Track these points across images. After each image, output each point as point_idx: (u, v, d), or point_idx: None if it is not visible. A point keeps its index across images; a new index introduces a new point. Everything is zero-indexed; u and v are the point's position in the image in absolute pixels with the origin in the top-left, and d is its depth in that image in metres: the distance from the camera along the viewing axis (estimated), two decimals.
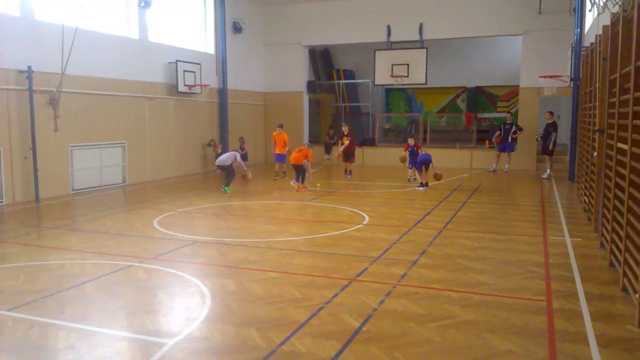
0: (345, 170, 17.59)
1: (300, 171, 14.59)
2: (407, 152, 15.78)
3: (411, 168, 15.90)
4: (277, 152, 16.87)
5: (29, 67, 12.61)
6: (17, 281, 6.68)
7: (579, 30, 15.75)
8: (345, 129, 17.26)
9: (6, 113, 12.42)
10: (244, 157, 18.59)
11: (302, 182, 14.59)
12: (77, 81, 14.02)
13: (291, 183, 15.21)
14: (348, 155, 17.21)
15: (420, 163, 14.84)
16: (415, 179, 15.74)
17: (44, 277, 6.86)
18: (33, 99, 12.77)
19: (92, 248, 8.38)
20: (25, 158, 12.84)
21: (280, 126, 17.08)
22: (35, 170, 12.94)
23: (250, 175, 14.76)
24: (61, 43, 12.94)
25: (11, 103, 12.53)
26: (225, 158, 14.24)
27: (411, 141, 15.66)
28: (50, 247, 8.44)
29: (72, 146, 14.16)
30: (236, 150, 15.97)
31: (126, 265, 7.36)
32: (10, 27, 12.48)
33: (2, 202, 12.38)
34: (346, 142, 17.06)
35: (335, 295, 6.03)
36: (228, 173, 14.16)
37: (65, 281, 6.65)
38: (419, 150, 15.64)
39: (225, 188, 13.92)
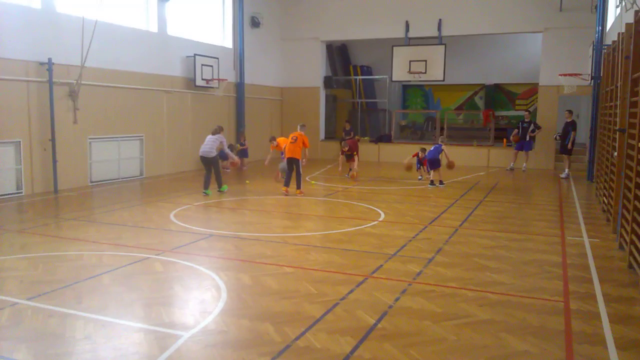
0: (350, 171, 16.23)
1: (294, 168, 12.85)
2: (414, 159, 15.55)
3: (419, 169, 15.80)
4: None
5: (49, 60, 12.75)
6: (36, 271, 6.77)
7: (600, 28, 15.54)
8: (346, 126, 16.00)
9: (26, 105, 12.57)
10: (244, 153, 18.39)
11: (298, 186, 12.94)
12: (96, 74, 14.14)
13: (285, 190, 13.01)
14: (350, 155, 16.01)
15: (431, 163, 14.61)
16: (421, 178, 15.62)
17: (62, 267, 6.95)
18: (53, 91, 12.91)
19: (110, 240, 8.47)
20: (45, 150, 12.99)
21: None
22: (54, 161, 13.09)
23: (238, 160, 13.42)
24: (81, 36, 13.05)
25: (31, 95, 12.67)
26: (208, 148, 12.53)
27: (422, 153, 15.38)
28: (69, 238, 8.54)
29: (90, 138, 14.29)
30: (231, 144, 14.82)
31: (143, 257, 7.42)
32: (31, 19, 12.62)
33: (21, 192, 12.54)
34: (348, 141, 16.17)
35: (351, 292, 6.02)
36: (215, 169, 12.68)
37: (83, 272, 6.73)
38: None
39: (222, 188, 12.71)
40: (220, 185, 12.96)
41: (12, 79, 12.18)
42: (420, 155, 15.55)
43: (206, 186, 12.74)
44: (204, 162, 12.80)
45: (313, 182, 14.41)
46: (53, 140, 13.00)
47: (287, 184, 12.91)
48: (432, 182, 14.56)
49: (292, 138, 12.93)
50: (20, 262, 7.18)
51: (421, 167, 15.71)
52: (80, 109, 13.74)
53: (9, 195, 12.27)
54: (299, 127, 13.47)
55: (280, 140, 14.92)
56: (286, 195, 12.67)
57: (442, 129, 22.88)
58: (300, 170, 13.01)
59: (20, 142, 12.47)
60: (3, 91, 12.00)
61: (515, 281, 6.52)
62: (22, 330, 4.98)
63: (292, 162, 12.84)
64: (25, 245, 8.07)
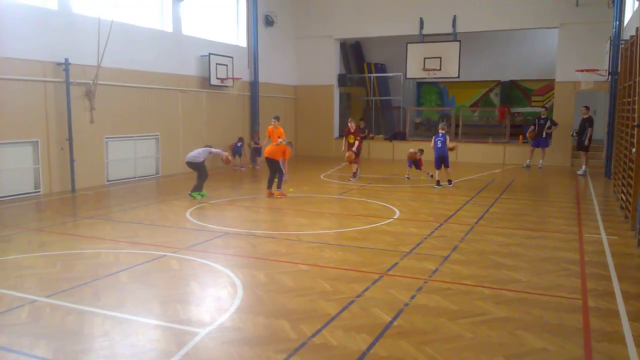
0: (354, 173, 15.33)
1: (274, 169, 12.42)
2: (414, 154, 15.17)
3: (410, 167, 15.52)
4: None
5: (66, 60, 12.88)
6: (54, 269, 6.85)
7: (617, 22, 15.33)
8: (351, 125, 15.08)
9: (44, 105, 12.71)
10: (258, 152, 18.18)
11: (279, 186, 12.46)
12: (112, 74, 14.26)
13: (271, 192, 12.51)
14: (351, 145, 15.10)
15: (439, 160, 13.72)
16: (432, 175, 14.88)
17: (80, 265, 7.02)
18: (70, 91, 13.04)
19: (127, 238, 8.54)
20: (62, 149, 13.13)
21: (276, 118, 15.15)
22: (72, 161, 13.23)
23: (229, 156, 12.86)
24: (97, 36, 13.17)
25: (49, 95, 12.81)
26: (196, 154, 12.30)
27: (420, 154, 15.27)
28: (86, 237, 8.62)
29: (107, 138, 14.42)
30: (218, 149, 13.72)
31: (160, 255, 7.48)
32: (48, 20, 12.76)
33: (39, 192, 12.70)
34: (353, 141, 15.08)
35: (366, 289, 6.02)
36: (200, 173, 12.27)
37: (101, 270, 6.80)
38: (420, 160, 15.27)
39: (194, 194, 12.04)
40: (198, 190, 12.21)
41: (29, 79, 12.33)
42: (418, 156, 15.18)
43: (198, 187, 12.30)
44: (190, 167, 12.39)
45: (291, 188, 13.29)
46: (70, 139, 13.14)
47: (269, 187, 12.40)
48: (438, 183, 13.73)
49: (276, 142, 12.88)
50: (39, 260, 7.28)
51: (412, 166, 15.38)
52: (97, 108, 13.87)
53: (28, 195, 12.42)
54: (274, 120, 13.43)
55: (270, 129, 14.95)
56: (269, 196, 12.22)
57: (456, 125, 22.72)
58: (283, 169, 12.62)
59: (38, 141, 12.62)
60: (21, 92, 12.15)
61: (532, 279, 6.47)
62: (42, 327, 5.04)
63: (272, 163, 12.38)
64: (44, 244, 8.16)
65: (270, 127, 15.02)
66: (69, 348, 4.58)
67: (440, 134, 13.94)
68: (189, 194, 12.10)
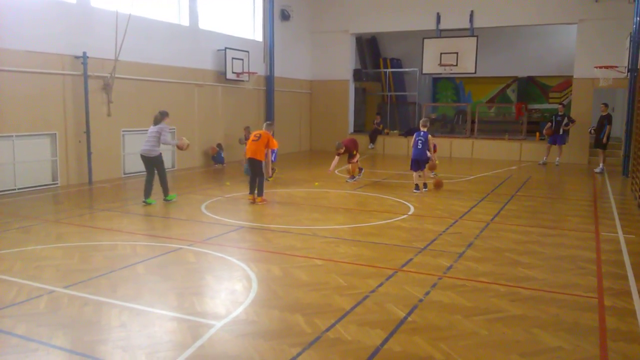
0: (353, 175, 14.05)
1: (257, 173, 10.82)
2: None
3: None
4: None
5: (84, 53, 13.00)
6: (72, 260, 6.94)
7: (638, 18, 15.11)
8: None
9: (62, 98, 12.84)
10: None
11: (260, 191, 10.81)
12: (129, 67, 14.37)
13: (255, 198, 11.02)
14: (350, 157, 13.85)
15: (416, 162, 12.20)
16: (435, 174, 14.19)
17: (97, 257, 7.10)
18: (88, 84, 13.16)
19: (143, 230, 8.63)
20: (80, 142, 13.27)
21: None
22: (89, 153, 13.36)
23: (187, 141, 10.99)
24: (115, 30, 13.27)
25: (67, 88, 12.94)
26: (149, 146, 10.37)
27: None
28: (103, 229, 8.72)
29: (124, 131, 14.53)
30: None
31: (176, 247, 7.54)
32: (67, 14, 12.88)
33: (57, 183, 12.85)
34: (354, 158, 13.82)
35: (380, 285, 6.02)
36: (159, 170, 10.53)
37: (118, 261, 6.87)
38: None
39: (148, 200, 10.49)
40: (166, 193, 10.82)
41: (48, 72, 12.46)
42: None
43: (147, 194, 10.55)
44: (144, 162, 10.54)
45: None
46: (88, 132, 13.27)
47: (252, 191, 10.95)
48: (417, 187, 12.29)
49: (254, 136, 11.02)
50: (57, 251, 7.37)
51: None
52: (114, 102, 13.98)
53: (45, 186, 12.58)
54: (264, 125, 11.44)
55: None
56: (252, 203, 10.87)
57: (472, 122, 22.54)
58: (263, 173, 11.05)
59: (56, 134, 12.77)
60: (40, 84, 12.29)
61: (548, 277, 6.43)
62: (60, 317, 5.11)
63: (254, 164, 10.88)
64: (61, 235, 8.27)
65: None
66: (87, 338, 4.64)
67: (422, 133, 12.29)
68: (164, 199, 10.82)
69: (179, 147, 10.99)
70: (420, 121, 12.61)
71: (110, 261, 6.90)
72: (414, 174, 12.38)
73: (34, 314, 5.15)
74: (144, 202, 10.56)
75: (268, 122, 11.80)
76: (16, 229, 8.64)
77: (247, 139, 16.03)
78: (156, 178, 10.77)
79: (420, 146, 12.10)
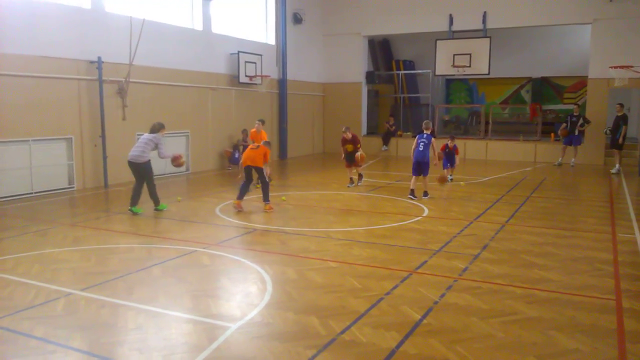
0: (351, 178, 13.73)
1: (250, 178, 10.66)
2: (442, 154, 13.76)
3: (446, 168, 14.16)
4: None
5: (99, 58, 13.12)
6: (88, 263, 7.01)
7: None
8: (347, 134, 13.28)
9: (77, 102, 12.98)
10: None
11: (265, 197, 10.54)
12: (144, 71, 14.48)
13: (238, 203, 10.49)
14: (351, 160, 13.47)
15: (417, 166, 11.74)
16: (452, 179, 14.30)
17: (113, 259, 7.17)
18: (103, 89, 13.29)
19: (158, 233, 8.68)
20: (95, 146, 13.40)
21: (261, 121, 13.69)
22: (104, 157, 13.48)
23: (182, 155, 10.68)
24: (129, 35, 13.38)
25: (82, 93, 13.08)
26: (138, 152, 10.03)
27: (451, 143, 14.01)
28: (119, 232, 8.79)
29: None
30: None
31: (191, 250, 7.58)
32: (82, 19, 13.02)
33: (73, 187, 12.98)
34: (352, 150, 13.36)
35: (395, 287, 6.01)
36: (148, 178, 10.22)
37: (134, 264, 6.93)
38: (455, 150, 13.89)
39: (134, 208, 10.07)
40: (157, 203, 10.44)
41: (64, 77, 12.60)
42: (449, 144, 14.00)
43: (134, 202, 10.14)
44: (132, 169, 10.15)
45: (284, 197, 11.91)
46: (103, 136, 13.39)
47: (240, 197, 10.46)
48: (412, 193, 11.75)
49: (252, 145, 10.92)
50: (74, 254, 7.44)
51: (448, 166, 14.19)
52: (129, 106, 14.11)
53: (62, 190, 12.71)
54: (257, 122, 11.19)
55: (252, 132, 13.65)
56: (240, 210, 10.34)
57: (486, 123, 22.42)
58: (265, 179, 10.68)
59: (72, 138, 12.90)
60: (56, 89, 12.43)
61: (564, 278, 6.38)
62: (77, 319, 5.16)
63: (251, 171, 10.60)
64: (78, 238, 8.35)
65: (253, 130, 13.64)
66: (104, 340, 4.68)
67: (425, 135, 11.83)
68: (155, 209, 10.43)
69: (173, 161, 10.43)
70: (423, 123, 12.28)
71: (126, 264, 6.95)
72: (413, 178, 11.87)
73: (52, 317, 5.20)
74: (129, 210, 10.12)
75: (260, 120, 12.85)
76: (33, 232, 8.74)
77: (244, 141, 16.45)
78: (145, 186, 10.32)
79: (422, 148, 11.71)
